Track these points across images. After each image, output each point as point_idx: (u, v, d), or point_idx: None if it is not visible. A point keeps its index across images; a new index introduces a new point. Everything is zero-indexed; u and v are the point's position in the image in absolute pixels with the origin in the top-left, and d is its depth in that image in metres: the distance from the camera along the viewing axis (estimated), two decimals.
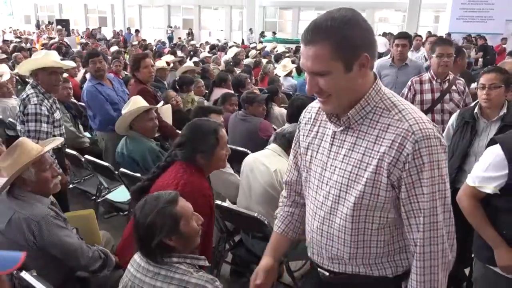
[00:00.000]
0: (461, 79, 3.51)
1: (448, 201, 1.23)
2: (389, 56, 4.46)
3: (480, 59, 11.27)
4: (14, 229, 1.92)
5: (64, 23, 17.92)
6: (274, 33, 21.06)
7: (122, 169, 3.13)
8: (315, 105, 1.44)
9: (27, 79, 6.24)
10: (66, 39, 13.74)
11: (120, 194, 3.54)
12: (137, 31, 18.98)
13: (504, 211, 1.82)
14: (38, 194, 2.03)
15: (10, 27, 21.63)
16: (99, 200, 3.66)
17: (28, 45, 12.33)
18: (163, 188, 1.90)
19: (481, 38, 12.80)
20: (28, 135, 2.91)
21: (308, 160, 1.42)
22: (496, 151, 1.80)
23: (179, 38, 20.23)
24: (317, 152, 1.38)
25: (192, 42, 15.77)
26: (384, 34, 15.06)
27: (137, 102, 3.20)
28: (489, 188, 1.81)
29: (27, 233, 1.91)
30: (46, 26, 22.30)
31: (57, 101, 3.22)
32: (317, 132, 1.39)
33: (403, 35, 4.39)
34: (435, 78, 3.36)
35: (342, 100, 1.24)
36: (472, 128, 2.64)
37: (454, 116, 2.81)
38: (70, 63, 3.31)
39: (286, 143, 2.61)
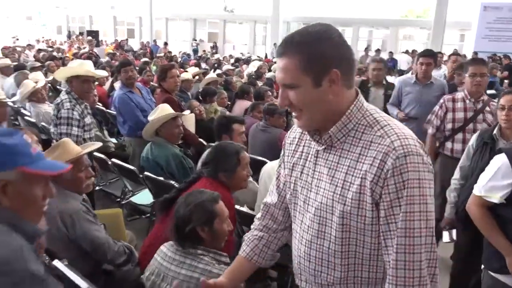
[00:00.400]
0: (495, 100, 3.39)
1: (431, 224, 1.14)
2: (410, 73, 4.49)
3: (506, 80, 11.15)
4: (48, 221, 2.08)
5: (94, 34, 18.59)
6: None
7: (146, 173, 3.30)
8: None
9: (58, 87, 6.55)
10: (95, 49, 14.24)
11: (144, 197, 3.70)
12: (165, 43, 19.53)
13: (511, 221, 1.88)
14: (71, 191, 2.20)
15: (43, 37, 22.48)
16: (123, 202, 3.83)
17: (60, 54, 12.82)
18: None
19: (506, 57, 12.68)
20: (60, 137, 3.11)
21: (293, 181, 1.36)
22: (501, 160, 1.86)
23: (204, 50, 20.68)
24: (302, 172, 1.33)
25: (216, 56, 16.11)
26: (407, 52, 15.06)
27: (165, 110, 3.38)
28: (495, 198, 1.87)
29: (60, 225, 2.07)
30: (77, 36, 23.12)
31: (88, 107, 3.43)
32: (302, 152, 1.34)
33: (428, 53, 4.37)
34: (469, 97, 3.34)
35: (313, 116, 1.21)
36: (491, 149, 2.59)
37: (474, 137, 2.81)
38: (102, 73, 3.54)
39: None
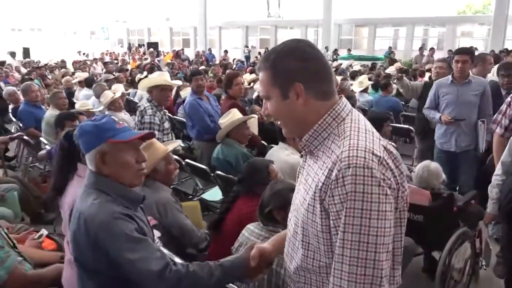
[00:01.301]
0: None
1: (378, 240, 1.11)
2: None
3: None
4: (145, 209, 2.46)
5: (154, 46, 19.71)
6: (349, 50, 21.22)
7: (217, 172, 3.65)
8: None
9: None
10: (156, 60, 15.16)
11: (214, 194, 4.05)
12: (225, 51, 20.36)
13: None
14: (162, 183, 2.58)
15: (107, 50, 24.07)
16: (195, 199, 4.21)
17: (128, 66, 13.81)
18: (237, 218, 2.48)
19: None
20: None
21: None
22: None
23: (256, 57, 21.18)
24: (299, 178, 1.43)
25: None
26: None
27: (236, 114, 3.77)
28: None
29: (155, 213, 2.44)
30: (136, 48, 24.53)
31: (166, 113, 3.85)
32: (304, 160, 1.41)
33: (464, 51, 4.21)
34: None
35: (288, 125, 1.32)
36: None
37: None
38: (178, 82, 3.94)
39: None
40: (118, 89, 5.64)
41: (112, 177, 1.59)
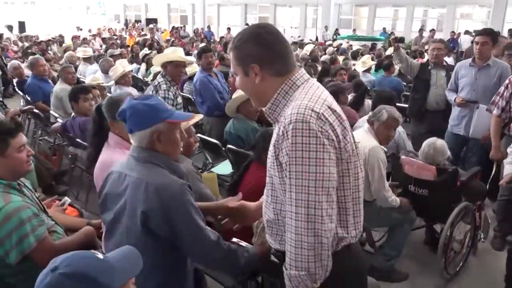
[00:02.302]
0: None
1: (312, 183, 1.29)
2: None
3: None
4: None
5: (153, 22, 19.47)
6: (354, 30, 21.08)
7: (229, 146, 3.77)
8: None
9: None
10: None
11: (224, 168, 4.18)
12: (228, 29, 20.26)
13: None
14: (182, 154, 2.69)
15: (104, 26, 23.75)
16: (205, 173, 4.33)
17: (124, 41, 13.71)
18: (252, 184, 2.59)
19: None
20: None
21: None
22: None
23: None
24: None
25: None
26: (467, 32, 14.59)
27: None
28: None
29: None
30: (133, 24, 24.21)
31: (178, 89, 3.94)
32: (274, 127, 1.56)
33: (483, 32, 4.09)
34: None
35: (252, 97, 1.55)
36: None
37: None
38: (191, 58, 4.01)
39: None
40: (124, 64, 5.67)
41: (163, 153, 1.72)
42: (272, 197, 1.50)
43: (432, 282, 3.17)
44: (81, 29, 21.60)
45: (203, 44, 11.52)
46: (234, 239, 2.11)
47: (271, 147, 1.43)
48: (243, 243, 2.11)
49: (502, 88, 3.50)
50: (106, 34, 18.26)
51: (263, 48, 1.44)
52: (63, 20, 25.52)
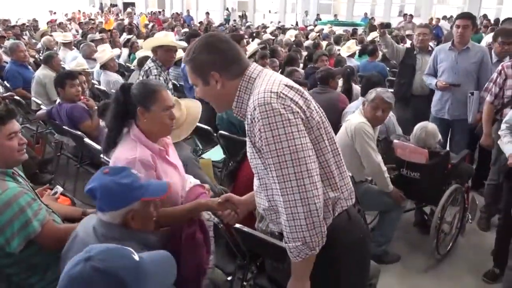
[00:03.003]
0: None
1: (289, 157, 1.35)
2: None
3: None
4: None
5: (131, 5, 18.98)
6: (336, 15, 21.10)
7: (221, 131, 3.74)
8: None
9: None
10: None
11: (214, 154, 4.15)
12: (207, 13, 19.94)
13: None
14: None
15: (79, 11, 23.01)
16: (200, 159, 4.29)
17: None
18: (250, 175, 2.45)
19: None
20: None
21: None
22: None
23: (234, 20, 20.81)
24: None
25: (248, 24, 16.23)
26: (445, 18, 14.78)
27: None
28: None
29: None
30: (109, 8, 23.56)
31: (169, 74, 3.86)
32: (245, 123, 1.58)
33: (466, 15, 4.10)
34: None
35: (215, 104, 1.60)
36: None
37: None
38: (183, 43, 3.91)
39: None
40: (106, 48, 5.53)
41: (136, 229, 1.61)
42: (261, 186, 1.55)
43: (423, 262, 3.26)
44: (54, 13, 20.88)
45: (185, 30, 11.35)
46: (237, 225, 2.10)
47: (247, 139, 1.49)
48: (246, 229, 2.11)
49: (495, 75, 3.53)
50: (81, 19, 17.71)
51: (218, 56, 1.50)
52: (35, 3, 24.56)
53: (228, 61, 1.51)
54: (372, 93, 3.11)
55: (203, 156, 4.26)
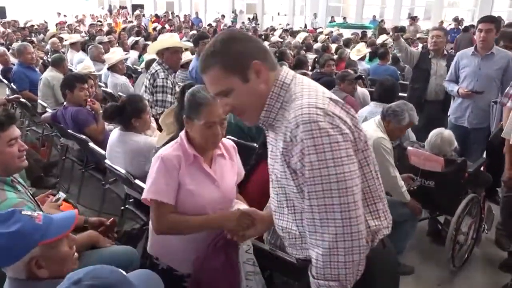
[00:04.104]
0: None
1: (334, 186, 1.18)
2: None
3: None
4: None
5: (139, 8, 19.01)
6: (345, 18, 20.98)
7: (228, 136, 3.63)
8: None
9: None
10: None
11: None
12: (223, 16, 19.94)
13: None
14: None
15: (90, 14, 23.11)
16: None
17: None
18: (261, 182, 2.29)
19: None
20: (156, 104, 3.49)
21: None
22: None
23: (243, 22, 20.73)
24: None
25: (255, 26, 16.14)
26: (456, 20, 14.56)
27: None
28: None
29: None
30: (118, 10, 23.63)
31: (176, 77, 3.78)
32: (267, 133, 1.44)
33: (487, 19, 3.90)
34: None
35: (256, 108, 1.31)
36: None
37: None
38: (189, 44, 3.84)
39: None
40: (117, 51, 5.47)
41: (50, 277, 1.37)
42: (288, 208, 1.36)
43: (437, 274, 3.13)
44: (65, 15, 20.99)
45: (193, 32, 11.30)
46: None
47: (278, 156, 1.27)
48: (255, 241, 2.01)
49: None
50: (89, 21, 17.77)
51: (253, 44, 1.30)
52: (45, 5, 24.72)
53: (264, 49, 1.31)
54: (405, 118, 2.89)
55: None
